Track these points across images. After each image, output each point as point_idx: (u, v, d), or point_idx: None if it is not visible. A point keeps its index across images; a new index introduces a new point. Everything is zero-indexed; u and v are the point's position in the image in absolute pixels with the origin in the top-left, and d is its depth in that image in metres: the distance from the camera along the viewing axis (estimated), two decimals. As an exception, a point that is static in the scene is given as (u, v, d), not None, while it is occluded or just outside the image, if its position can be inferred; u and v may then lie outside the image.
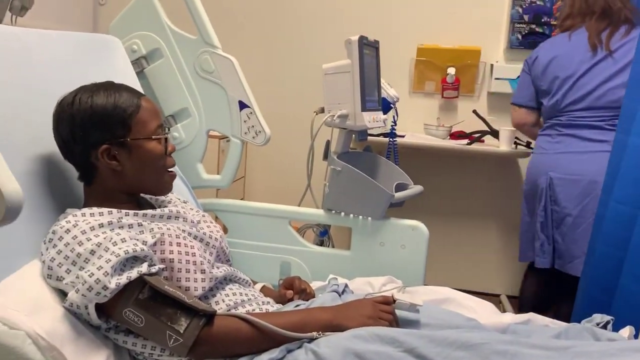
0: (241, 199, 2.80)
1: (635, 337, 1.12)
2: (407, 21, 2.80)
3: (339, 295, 1.20)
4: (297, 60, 2.92)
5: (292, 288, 1.27)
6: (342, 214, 1.59)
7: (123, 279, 0.94)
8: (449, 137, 2.73)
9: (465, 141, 2.61)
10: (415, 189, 1.60)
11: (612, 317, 1.16)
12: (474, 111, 2.66)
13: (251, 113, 1.60)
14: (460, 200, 2.89)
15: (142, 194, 1.23)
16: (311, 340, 0.98)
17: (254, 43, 2.93)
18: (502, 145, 2.48)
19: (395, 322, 1.06)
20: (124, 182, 1.12)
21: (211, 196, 2.01)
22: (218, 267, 1.18)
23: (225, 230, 1.67)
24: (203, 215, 1.27)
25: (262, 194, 3.06)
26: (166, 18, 1.67)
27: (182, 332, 0.93)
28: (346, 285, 1.28)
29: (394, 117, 1.80)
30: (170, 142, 1.17)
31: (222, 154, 2.48)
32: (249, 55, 2.60)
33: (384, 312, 1.05)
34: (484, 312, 1.28)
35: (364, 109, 1.53)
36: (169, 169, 1.17)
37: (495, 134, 2.56)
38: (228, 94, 1.61)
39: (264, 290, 1.33)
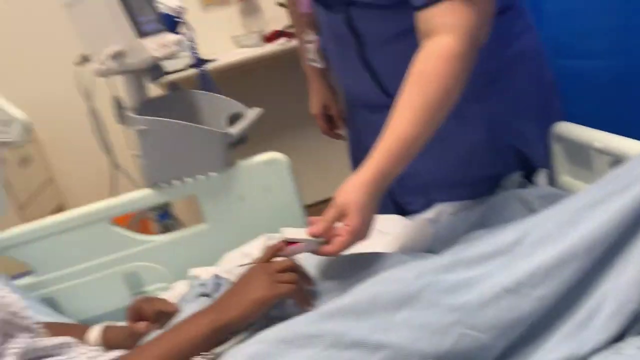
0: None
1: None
2: None
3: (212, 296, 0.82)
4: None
5: (141, 317, 0.86)
6: (175, 182, 1.17)
7: None
8: (263, 41, 2.36)
9: (283, 40, 2.26)
10: (251, 113, 1.22)
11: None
12: (280, 3, 2.29)
13: (-17, 100, 1.07)
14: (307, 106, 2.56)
15: None
16: None
17: None
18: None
19: (302, 276, 0.76)
20: None
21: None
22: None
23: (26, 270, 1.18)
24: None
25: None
26: None
27: None
28: (216, 277, 0.90)
29: (189, 34, 1.36)
30: None
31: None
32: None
33: (280, 270, 0.73)
34: (395, 228, 1.00)
35: (141, 34, 1.08)
36: None
37: (311, 18, 2.22)
38: None
39: (108, 334, 0.90)
